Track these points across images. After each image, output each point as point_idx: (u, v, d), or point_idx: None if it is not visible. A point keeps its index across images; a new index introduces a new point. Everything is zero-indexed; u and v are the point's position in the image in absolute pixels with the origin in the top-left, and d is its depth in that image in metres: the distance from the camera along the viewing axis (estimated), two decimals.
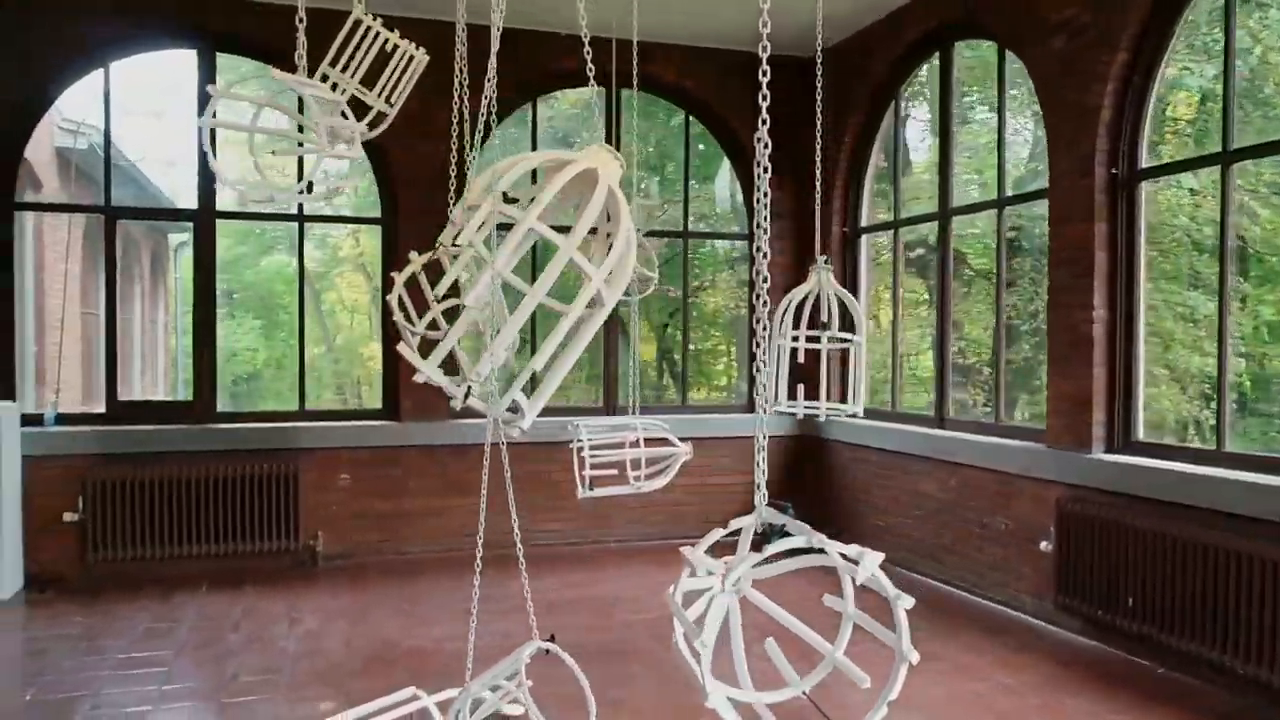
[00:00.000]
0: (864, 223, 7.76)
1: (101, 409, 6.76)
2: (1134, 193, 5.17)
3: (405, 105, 7.27)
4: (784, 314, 3.63)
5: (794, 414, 3.87)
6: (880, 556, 2.09)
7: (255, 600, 5.93)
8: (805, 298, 3.70)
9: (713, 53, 7.80)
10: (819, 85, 5.15)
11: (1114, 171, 5.18)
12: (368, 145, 3.86)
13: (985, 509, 6.00)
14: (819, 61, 5.29)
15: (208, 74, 6.89)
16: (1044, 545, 5.41)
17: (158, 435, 6.58)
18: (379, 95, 3.41)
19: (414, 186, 7.14)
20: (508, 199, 2.62)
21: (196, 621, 5.49)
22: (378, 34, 3.27)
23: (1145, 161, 5.15)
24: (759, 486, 2.23)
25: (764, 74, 2.09)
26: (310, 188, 2.44)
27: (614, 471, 4.04)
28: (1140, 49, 5.04)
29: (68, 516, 6.30)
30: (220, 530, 6.56)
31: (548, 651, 2.71)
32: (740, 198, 8.63)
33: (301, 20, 2.41)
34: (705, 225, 10.10)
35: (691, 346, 10.46)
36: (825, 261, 3.62)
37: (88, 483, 6.30)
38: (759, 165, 2.17)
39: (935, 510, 6.49)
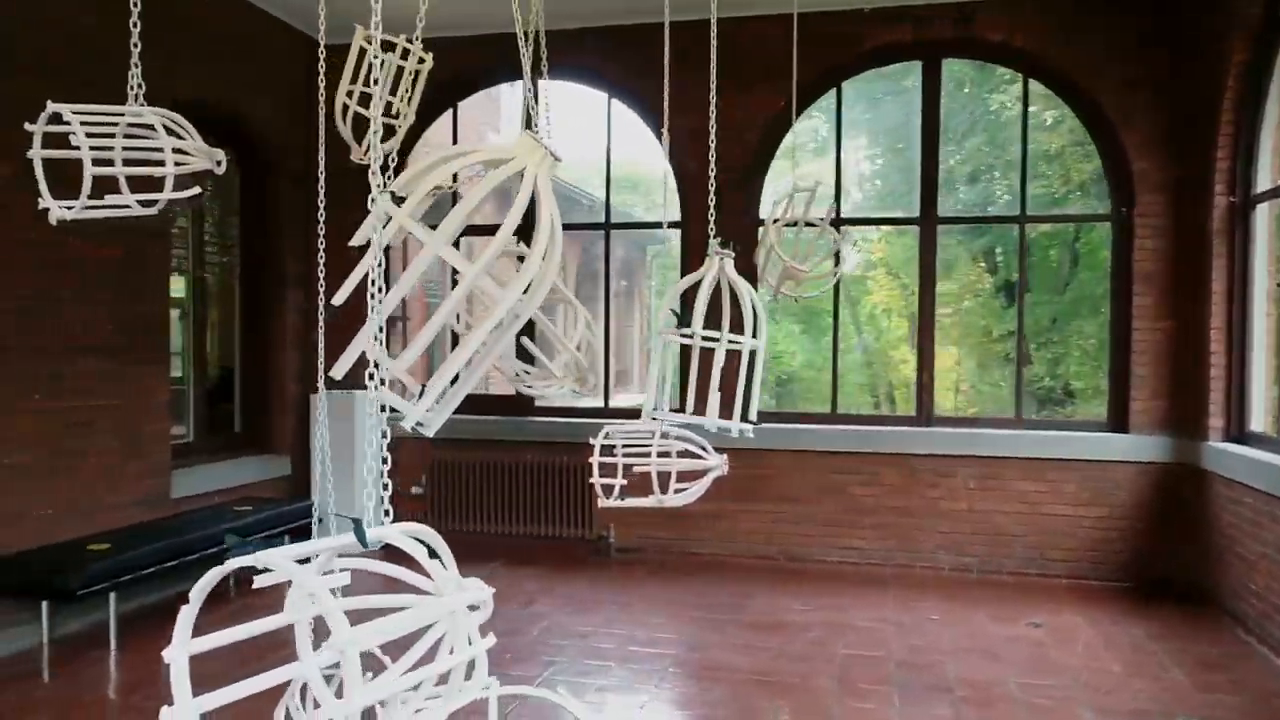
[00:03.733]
0: (1260, 187, 5.90)
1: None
2: None
3: (704, 102, 7.29)
4: (668, 308, 2.96)
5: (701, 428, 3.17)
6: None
7: (521, 579, 6.45)
8: (698, 289, 2.97)
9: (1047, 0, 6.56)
10: None
11: None
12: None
13: None
14: None
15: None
16: None
17: (489, 424, 7.48)
18: (397, 107, 3.57)
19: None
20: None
21: None
22: (380, 56, 3.43)
23: None
24: (385, 495, 1.97)
25: None
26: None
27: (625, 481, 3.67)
28: None
29: (414, 490, 7.48)
30: (528, 513, 7.25)
31: None
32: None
33: (136, 45, 2.67)
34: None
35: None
36: (722, 245, 2.88)
37: (430, 462, 7.41)
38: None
39: None
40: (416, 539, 1.82)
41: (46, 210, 2.42)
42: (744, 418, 2.85)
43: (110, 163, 2.47)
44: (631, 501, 3.53)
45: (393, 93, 3.64)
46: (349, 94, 3.48)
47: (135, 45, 2.68)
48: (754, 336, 2.83)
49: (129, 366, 5.69)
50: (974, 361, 14.93)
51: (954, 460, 6.80)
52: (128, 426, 5.67)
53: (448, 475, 7.40)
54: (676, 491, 3.48)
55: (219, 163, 2.71)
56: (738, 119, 7.05)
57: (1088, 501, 6.59)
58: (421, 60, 3.58)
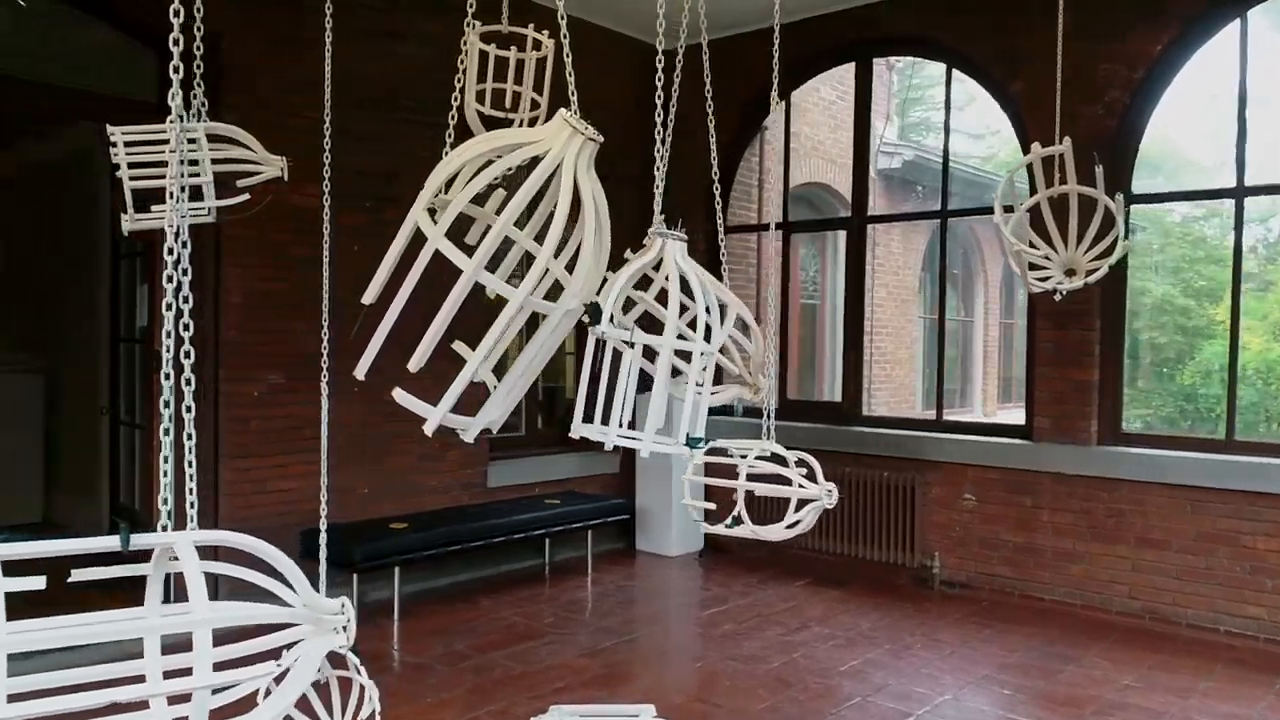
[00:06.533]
0: None
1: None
2: None
3: (1046, 61, 6.23)
4: (612, 298, 2.15)
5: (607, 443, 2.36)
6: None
7: (812, 603, 5.92)
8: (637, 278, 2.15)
9: None
10: None
11: None
12: None
13: None
14: None
15: (865, 85, 7.02)
16: None
17: (814, 432, 7.00)
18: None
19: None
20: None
21: (737, 608, 5.83)
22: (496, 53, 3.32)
23: None
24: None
25: None
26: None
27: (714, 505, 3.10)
28: None
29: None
30: (848, 531, 6.66)
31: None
32: None
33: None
34: None
35: None
36: (668, 226, 2.04)
37: None
38: None
39: None
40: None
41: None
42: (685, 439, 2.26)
43: (160, 176, 2.71)
44: (739, 530, 3.04)
45: (523, 82, 3.54)
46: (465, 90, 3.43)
47: (196, 66, 2.90)
48: (707, 339, 2.23)
49: (453, 364, 6.29)
50: None
51: None
52: None
53: None
54: (789, 526, 2.90)
55: (282, 170, 2.85)
56: (1098, 74, 5.79)
57: None
58: (540, 46, 3.43)
